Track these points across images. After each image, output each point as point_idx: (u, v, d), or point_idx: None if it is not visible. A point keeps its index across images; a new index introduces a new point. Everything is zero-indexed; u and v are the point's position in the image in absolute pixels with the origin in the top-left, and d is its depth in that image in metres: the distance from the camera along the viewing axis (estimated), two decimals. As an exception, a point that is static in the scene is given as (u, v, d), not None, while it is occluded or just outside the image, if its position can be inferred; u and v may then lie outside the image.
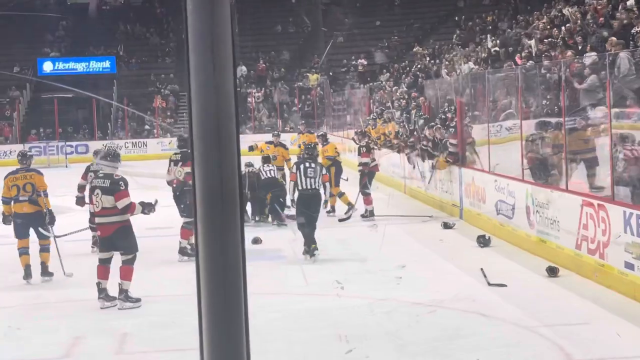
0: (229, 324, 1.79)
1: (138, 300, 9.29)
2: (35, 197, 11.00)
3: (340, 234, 14.13)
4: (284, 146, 18.49)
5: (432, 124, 17.05)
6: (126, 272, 9.33)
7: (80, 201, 12.84)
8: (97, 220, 9.53)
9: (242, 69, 42.44)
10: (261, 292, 9.64)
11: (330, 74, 41.15)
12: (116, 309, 9.25)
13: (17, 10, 43.90)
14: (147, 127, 39.62)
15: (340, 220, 15.39)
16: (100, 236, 9.48)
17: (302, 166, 12.32)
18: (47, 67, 42.92)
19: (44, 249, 11.15)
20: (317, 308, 9.17)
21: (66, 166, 32.83)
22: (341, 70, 41.97)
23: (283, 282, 10.48)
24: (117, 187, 9.31)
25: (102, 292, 9.36)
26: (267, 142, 18.49)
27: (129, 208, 9.31)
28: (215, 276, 1.78)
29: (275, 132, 21.20)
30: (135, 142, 36.51)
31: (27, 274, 10.91)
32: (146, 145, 36.40)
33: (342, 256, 12.28)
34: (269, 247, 12.99)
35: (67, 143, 35.62)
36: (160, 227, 14.52)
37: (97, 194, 9.34)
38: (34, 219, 11.08)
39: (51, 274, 11.04)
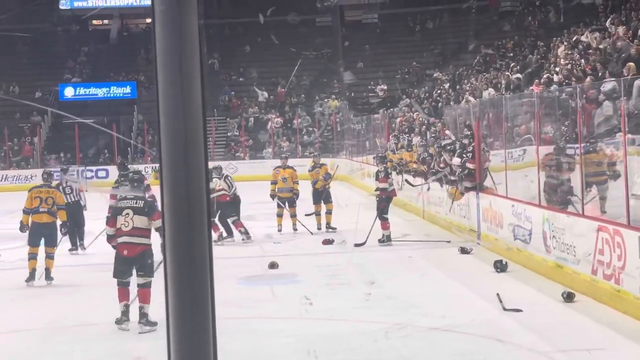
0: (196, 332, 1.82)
1: (155, 323, 9.31)
2: (55, 209, 12.61)
3: (356, 259, 14.13)
4: (292, 169, 18.52)
5: (450, 149, 17.06)
6: (146, 295, 9.36)
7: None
8: (124, 239, 9.51)
9: (263, 94, 42.62)
10: (276, 317, 9.68)
11: (350, 97, 41.27)
12: (130, 332, 9.28)
13: (40, 37, 44.41)
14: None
15: (356, 245, 15.39)
16: (127, 256, 9.47)
17: None
18: (69, 92, 43.30)
19: (50, 257, 12.55)
20: (332, 333, 9.15)
21: (86, 190, 32.96)
22: (361, 95, 42.07)
23: (298, 307, 10.48)
24: (153, 208, 9.55)
25: (127, 315, 9.42)
26: (275, 167, 18.54)
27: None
28: (183, 289, 1.81)
29: (284, 155, 21.32)
30: (155, 167, 36.61)
31: (31, 277, 12.34)
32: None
33: (358, 281, 12.27)
34: (284, 271, 13.02)
35: (87, 168, 35.84)
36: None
37: (128, 214, 9.45)
38: (47, 229, 12.61)
39: (52, 279, 12.42)
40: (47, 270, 12.49)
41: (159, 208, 9.36)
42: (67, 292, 11.09)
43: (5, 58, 44.55)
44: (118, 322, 9.45)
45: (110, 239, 9.70)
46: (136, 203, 9.58)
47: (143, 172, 15.11)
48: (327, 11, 46.61)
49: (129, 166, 18.57)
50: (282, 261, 13.52)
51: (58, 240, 12.95)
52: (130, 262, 9.46)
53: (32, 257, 12.54)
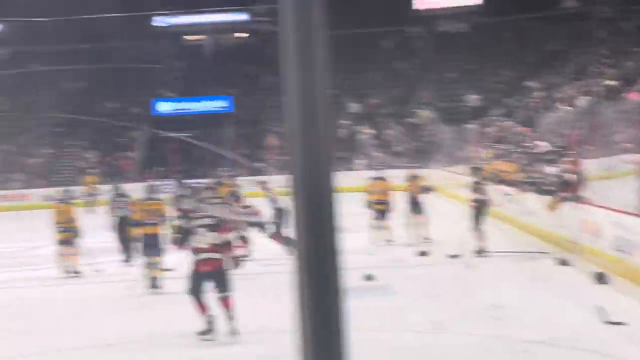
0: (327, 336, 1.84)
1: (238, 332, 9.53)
2: (159, 221, 13.43)
3: (451, 270, 14.02)
4: (386, 180, 18.46)
5: (545, 158, 16.83)
6: (229, 304, 9.62)
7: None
8: (204, 256, 9.77)
9: (354, 105, 42.70)
10: (370, 329, 9.66)
11: (442, 107, 41.04)
12: (234, 345, 9.38)
13: (136, 53, 45.38)
14: (262, 164, 40.13)
15: (451, 256, 15.27)
16: (207, 271, 9.68)
17: None
18: (164, 107, 44.10)
19: (156, 266, 13.31)
20: (429, 345, 9.10)
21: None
22: (452, 105, 41.79)
23: (392, 318, 10.45)
24: (221, 223, 10.10)
25: (212, 325, 9.62)
26: (370, 178, 18.59)
27: (230, 245, 10.04)
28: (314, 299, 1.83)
29: (377, 167, 21.33)
30: (250, 180, 36.93)
31: (151, 285, 13.09)
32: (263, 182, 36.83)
33: (454, 293, 12.17)
34: (380, 283, 12.98)
35: (182, 181, 36.35)
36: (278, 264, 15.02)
37: (202, 232, 9.81)
38: (153, 239, 13.35)
39: (159, 287, 13.06)
40: (154, 279, 13.24)
41: (226, 224, 10.08)
42: (169, 301, 11.23)
43: (103, 75, 45.64)
44: (203, 333, 9.64)
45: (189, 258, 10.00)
46: (208, 221, 9.95)
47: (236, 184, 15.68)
48: (419, 21, 46.53)
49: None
50: (377, 273, 13.50)
51: (164, 250, 13.49)
52: (207, 277, 9.70)
53: (147, 266, 13.42)
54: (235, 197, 16.63)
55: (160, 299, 12.38)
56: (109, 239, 17.22)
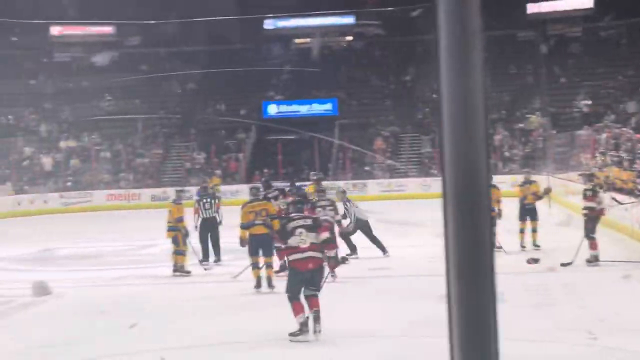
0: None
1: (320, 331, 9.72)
2: (269, 220, 13.33)
3: (563, 279, 13.71)
4: (495, 187, 18.04)
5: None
6: (317, 302, 9.82)
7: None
8: (307, 254, 9.95)
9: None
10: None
11: (553, 112, 40.32)
12: (338, 347, 9.35)
13: (245, 56, 45.97)
14: (367, 168, 40.16)
15: (563, 264, 14.93)
16: (310, 269, 9.86)
17: None
18: (272, 109, 44.53)
19: (269, 266, 13.46)
20: (540, 355, 8.87)
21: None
22: (564, 111, 41.01)
23: (503, 326, 10.22)
24: (318, 223, 10.39)
25: (306, 326, 9.68)
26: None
27: (329, 243, 10.45)
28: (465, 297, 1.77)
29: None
30: (355, 183, 37.02)
31: (258, 285, 13.29)
32: (366, 186, 36.84)
33: (566, 301, 11.89)
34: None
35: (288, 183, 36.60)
36: (377, 268, 15.03)
37: (301, 232, 10.01)
38: (264, 240, 13.38)
39: (274, 287, 13.01)
40: (269, 279, 13.37)
41: (325, 223, 10.53)
42: (278, 301, 11.22)
43: (212, 77, 46.40)
44: (297, 334, 9.69)
45: (282, 251, 10.51)
46: (306, 221, 10.22)
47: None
48: (530, 25, 45.83)
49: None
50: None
51: (272, 250, 13.53)
52: (306, 276, 9.87)
53: (255, 266, 13.54)
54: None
55: (269, 299, 12.38)
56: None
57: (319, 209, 14.39)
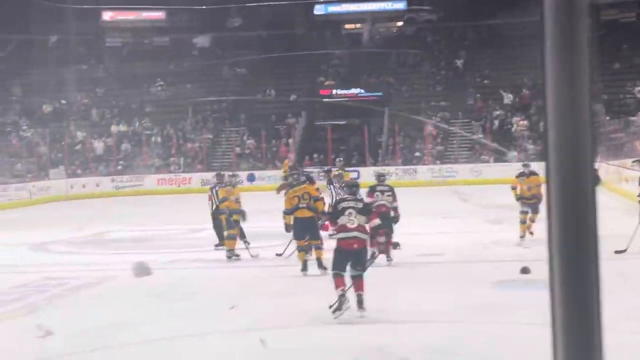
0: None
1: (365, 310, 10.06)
2: (312, 203, 13.61)
3: (617, 267, 13.50)
4: (537, 174, 17.78)
5: None
6: (361, 285, 10.16)
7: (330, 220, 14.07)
8: (353, 234, 10.34)
9: (508, 96, 41.88)
10: (535, 323, 9.41)
11: (605, 99, 39.76)
12: (394, 333, 9.31)
13: (295, 41, 45.96)
14: (417, 154, 39.99)
15: (617, 252, 14.71)
16: (355, 249, 10.26)
17: None
18: (323, 95, 44.47)
19: (317, 248, 13.58)
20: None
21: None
22: (617, 97, 40.42)
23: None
24: (370, 210, 10.66)
25: (343, 298, 10.03)
26: (519, 174, 17.84)
27: (379, 229, 10.86)
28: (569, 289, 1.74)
29: (526, 163, 20.36)
30: (406, 169, 36.88)
31: (304, 268, 13.35)
32: (416, 172, 36.69)
33: (620, 290, 11.72)
34: (537, 277, 12.64)
35: (348, 169, 36.56)
36: (431, 254, 14.97)
37: (351, 213, 10.39)
38: (309, 223, 13.58)
39: (325, 268, 12.65)
40: (319, 260, 13.41)
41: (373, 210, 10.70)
42: (326, 282, 11.22)
43: (262, 62, 46.50)
44: (337, 308, 9.93)
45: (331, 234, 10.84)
46: (356, 204, 10.58)
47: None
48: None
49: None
50: (534, 266, 13.14)
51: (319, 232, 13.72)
52: (350, 255, 10.24)
53: (301, 249, 13.71)
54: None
55: (319, 281, 12.33)
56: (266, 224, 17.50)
57: (377, 193, 14.37)
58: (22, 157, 39.53)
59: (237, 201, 15.79)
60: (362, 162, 39.40)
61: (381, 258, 13.96)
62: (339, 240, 10.39)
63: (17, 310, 11.59)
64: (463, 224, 20.55)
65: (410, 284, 12.52)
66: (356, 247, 10.29)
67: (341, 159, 29.10)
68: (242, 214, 15.92)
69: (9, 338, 9.91)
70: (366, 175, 37.55)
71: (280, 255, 15.34)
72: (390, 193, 14.46)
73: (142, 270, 13.91)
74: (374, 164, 39.16)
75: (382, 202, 14.27)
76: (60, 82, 44.99)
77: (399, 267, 14.07)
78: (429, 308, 10.58)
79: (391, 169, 37.52)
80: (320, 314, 10.42)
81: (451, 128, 40.69)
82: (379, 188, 14.53)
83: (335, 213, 10.55)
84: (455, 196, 27.90)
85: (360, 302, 10.10)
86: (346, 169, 24.40)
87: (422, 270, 13.76)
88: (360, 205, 10.59)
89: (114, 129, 43.50)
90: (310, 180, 15.86)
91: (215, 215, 16.77)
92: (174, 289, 12.76)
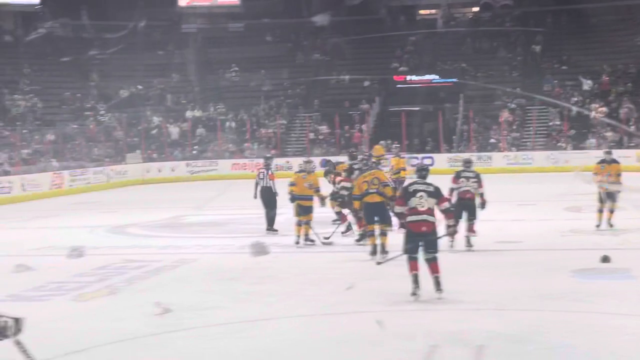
0: None
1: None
2: (381, 188, 13.54)
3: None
4: (617, 162, 17.36)
5: None
6: (437, 267, 10.36)
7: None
8: (422, 217, 10.46)
9: (587, 83, 41.12)
10: (616, 313, 9.25)
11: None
12: (471, 320, 9.23)
13: (369, 27, 45.80)
14: (492, 140, 39.57)
15: None
16: (424, 232, 10.40)
17: None
18: (397, 80, 44.29)
19: (383, 233, 13.54)
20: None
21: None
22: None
23: (636, 303, 9.92)
24: (440, 193, 10.64)
25: (417, 283, 10.31)
26: (600, 161, 17.40)
27: (448, 212, 10.80)
28: None
29: (607, 150, 19.69)
30: (480, 156, 36.50)
31: (374, 252, 13.45)
32: (491, 159, 36.31)
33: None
34: (618, 265, 12.39)
35: (413, 155, 36.42)
36: (509, 241, 14.83)
37: (422, 196, 10.48)
38: (378, 207, 13.52)
39: (387, 252, 13.04)
40: (382, 246, 13.47)
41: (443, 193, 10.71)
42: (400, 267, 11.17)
43: (336, 49, 46.46)
44: (412, 292, 10.26)
45: (400, 216, 10.81)
46: (428, 187, 10.61)
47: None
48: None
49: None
50: (615, 255, 12.90)
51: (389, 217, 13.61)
52: (421, 237, 10.39)
53: (370, 234, 13.72)
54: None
55: (392, 266, 12.24)
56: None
57: (463, 179, 14.29)
58: (99, 142, 40.17)
59: (311, 187, 15.73)
60: (437, 149, 39.17)
61: (459, 243, 13.95)
62: (409, 222, 10.50)
63: (98, 290, 11.79)
64: (540, 211, 20.32)
65: (487, 270, 12.41)
66: (425, 229, 10.41)
67: (398, 144, 29.11)
68: (321, 199, 16.02)
69: (91, 317, 10.09)
70: (440, 161, 37.39)
71: (327, 239, 15.59)
72: (475, 179, 14.32)
73: (260, 250, 14.57)
74: (448, 151, 38.91)
75: (467, 188, 14.25)
76: (137, 67, 45.54)
77: (476, 253, 13.99)
78: (506, 295, 10.49)
79: (465, 155, 37.16)
80: (396, 300, 10.41)
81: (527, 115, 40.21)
82: (464, 174, 14.41)
83: (406, 195, 10.63)
84: (531, 183, 27.51)
85: (437, 284, 10.27)
86: (403, 154, 24.52)
87: (500, 258, 13.64)
88: (430, 188, 10.63)
89: (189, 114, 43.93)
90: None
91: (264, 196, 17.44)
92: (250, 273, 12.84)
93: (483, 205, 14.33)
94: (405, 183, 11.88)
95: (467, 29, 46.25)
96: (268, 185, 17.66)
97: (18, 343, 7.05)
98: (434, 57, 45.28)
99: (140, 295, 11.34)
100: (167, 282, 12.44)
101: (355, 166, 16.03)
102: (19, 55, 42.68)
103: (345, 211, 16.44)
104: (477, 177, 14.39)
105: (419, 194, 10.50)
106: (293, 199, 15.80)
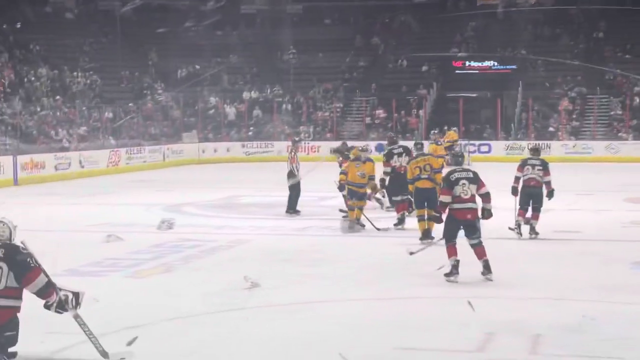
0: None
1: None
2: (433, 175, 13.74)
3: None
4: None
5: None
6: (483, 251, 10.66)
7: (515, 191, 14.30)
8: (467, 205, 10.69)
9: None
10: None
11: None
12: (528, 309, 9.12)
13: (429, 13, 45.51)
14: (550, 129, 39.10)
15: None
16: (469, 219, 10.67)
17: None
18: (456, 66, 43.94)
19: (430, 218, 13.43)
20: None
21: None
22: None
23: None
24: (478, 178, 10.83)
25: (457, 268, 10.56)
26: None
27: (488, 197, 10.84)
28: None
29: None
30: (529, 144, 36.03)
31: (423, 236, 13.56)
32: (549, 148, 35.85)
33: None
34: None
35: (470, 142, 36.15)
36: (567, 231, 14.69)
37: (464, 184, 10.65)
38: (430, 193, 13.60)
39: (433, 237, 13.11)
40: (428, 231, 13.66)
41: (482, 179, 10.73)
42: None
43: (394, 33, 46.26)
44: (449, 275, 10.56)
45: (443, 206, 10.83)
46: (468, 174, 10.82)
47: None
48: None
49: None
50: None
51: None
52: (462, 224, 10.69)
53: (421, 219, 13.88)
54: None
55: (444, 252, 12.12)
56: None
57: (528, 166, 14.11)
58: (156, 121, 40.46)
59: (363, 176, 15.54)
60: (494, 136, 38.82)
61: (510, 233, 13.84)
62: (453, 210, 10.67)
63: (154, 268, 11.89)
64: (600, 201, 20.05)
65: (545, 260, 12.30)
66: (469, 217, 10.67)
67: (436, 131, 28.95)
68: (372, 188, 16.01)
69: (147, 294, 10.18)
70: (497, 149, 37.08)
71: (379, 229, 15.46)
72: (540, 167, 14.13)
73: (352, 228, 15.13)
74: (506, 138, 38.55)
75: (532, 176, 14.10)
76: (195, 47, 45.76)
77: (535, 242, 13.88)
78: (563, 285, 10.37)
79: (523, 143, 36.82)
80: (451, 286, 10.36)
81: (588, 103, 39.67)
82: (530, 162, 14.24)
83: (450, 183, 10.73)
84: (590, 173, 27.14)
85: (487, 267, 10.56)
86: (440, 141, 24.38)
87: (558, 247, 13.50)
88: (470, 174, 10.83)
89: (245, 95, 44.03)
90: (408, 153, 15.77)
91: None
92: (304, 256, 12.86)
93: (550, 194, 14.16)
94: (445, 172, 11.79)
95: (528, 14, 45.64)
96: (289, 169, 17.92)
97: (77, 317, 7.14)
98: (494, 44, 44.77)
99: (195, 274, 11.41)
100: (222, 261, 12.50)
101: (395, 151, 16.03)
102: (80, 33, 43.11)
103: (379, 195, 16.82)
104: (543, 165, 14.19)
105: (461, 182, 10.68)
106: (342, 187, 15.76)
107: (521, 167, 14.21)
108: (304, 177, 18.07)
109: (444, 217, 11.03)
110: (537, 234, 14.06)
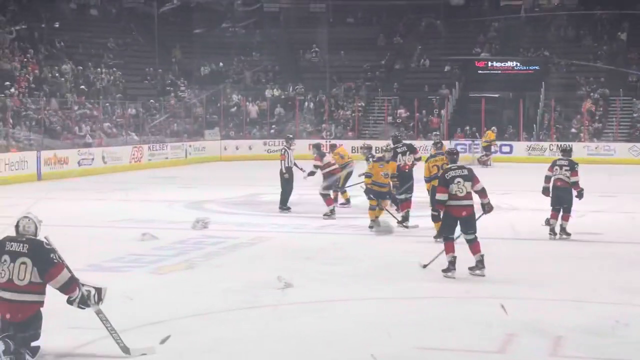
0: None
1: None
2: None
3: None
4: None
5: None
6: (478, 247, 10.91)
7: (546, 191, 14.35)
8: (462, 202, 10.87)
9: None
10: None
11: None
12: (549, 311, 9.10)
13: (452, 12, 45.40)
14: (573, 130, 38.93)
15: None
16: (465, 216, 10.87)
17: None
18: (478, 66, 43.81)
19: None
20: None
21: (489, 164, 33.49)
22: None
23: None
24: (473, 174, 11.02)
25: (454, 265, 10.80)
26: None
27: (484, 192, 11.00)
28: None
29: None
30: (559, 145, 35.87)
31: (439, 235, 12.85)
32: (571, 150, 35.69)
33: None
34: None
35: (492, 141, 36.01)
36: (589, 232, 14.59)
37: (460, 182, 10.83)
38: None
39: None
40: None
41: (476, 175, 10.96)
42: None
43: (417, 33, 46.14)
44: (446, 270, 10.82)
45: (440, 204, 10.94)
46: (462, 172, 10.96)
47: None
48: None
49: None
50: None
51: None
52: (458, 220, 10.88)
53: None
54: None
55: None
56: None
57: (557, 167, 14.14)
58: (179, 118, 40.59)
59: (387, 176, 15.51)
60: (515, 137, 38.69)
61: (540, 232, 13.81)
62: (450, 207, 10.86)
63: (176, 264, 11.94)
64: (621, 203, 19.99)
65: (567, 261, 12.28)
66: (465, 214, 10.87)
67: (437, 132, 28.88)
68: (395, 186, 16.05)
69: (169, 290, 10.23)
70: (519, 150, 36.95)
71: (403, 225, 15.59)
72: (568, 167, 14.10)
73: (385, 229, 15.04)
74: (528, 139, 38.41)
75: (559, 177, 14.16)
76: (218, 45, 45.86)
77: (557, 244, 13.88)
78: (585, 287, 10.37)
79: (545, 144, 36.75)
80: (472, 286, 10.35)
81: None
82: (558, 162, 14.36)
83: (445, 182, 10.90)
84: (612, 174, 27.00)
85: (481, 262, 10.86)
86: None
87: (580, 249, 13.45)
88: (465, 172, 11.00)
89: (268, 93, 44.08)
90: (412, 150, 16.23)
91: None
92: (325, 254, 12.89)
93: (580, 194, 14.13)
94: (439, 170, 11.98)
95: (551, 14, 45.45)
96: (290, 165, 18.50)
97: (99, 312, 7.20)
98: (517, 44, 44.62)
99: (217, 271, 11.46)
100: (243, 259, 12.55)
101: (399, 150, 16.15)
102: (104, 29, 43.31)
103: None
104: (570, 165, 14.16)
105: (456, 180, 10.85)
106: (368, 191, 15.65)
107: (551, 167, 14.34)
108: (304, 176, 18.43)
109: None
110: (568, 234, 14.09)
